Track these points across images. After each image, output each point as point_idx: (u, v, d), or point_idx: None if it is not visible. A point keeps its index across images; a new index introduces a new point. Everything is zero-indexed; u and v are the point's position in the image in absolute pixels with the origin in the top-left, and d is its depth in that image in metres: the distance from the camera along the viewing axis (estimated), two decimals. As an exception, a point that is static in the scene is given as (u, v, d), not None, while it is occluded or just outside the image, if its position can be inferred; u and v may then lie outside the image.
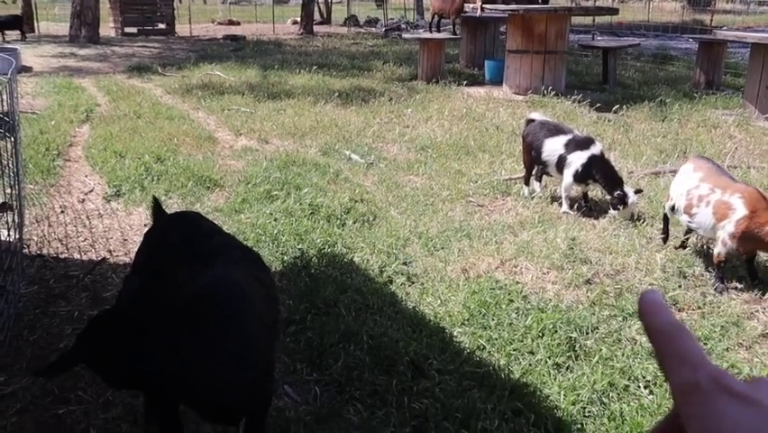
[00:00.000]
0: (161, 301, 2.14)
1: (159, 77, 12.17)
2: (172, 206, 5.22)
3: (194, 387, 1.99)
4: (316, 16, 27.00)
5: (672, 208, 4.39)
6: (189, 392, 2.03)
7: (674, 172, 4.89)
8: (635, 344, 3.32)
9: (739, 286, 4.07)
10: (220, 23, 27.39)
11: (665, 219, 4.59)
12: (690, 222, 4.21)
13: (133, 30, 21.46)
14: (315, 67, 12.45)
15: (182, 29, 22.85)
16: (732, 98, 9.97)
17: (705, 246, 4.59)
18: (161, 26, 22.28)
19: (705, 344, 3.36)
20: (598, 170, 5.12)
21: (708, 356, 0.45)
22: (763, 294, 3.93)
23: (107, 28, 21.10)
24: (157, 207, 2.84)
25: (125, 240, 4.62)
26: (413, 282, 3.97)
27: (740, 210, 3.87)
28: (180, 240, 2.45)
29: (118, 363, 1.91)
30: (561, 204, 5.34)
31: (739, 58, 13.54)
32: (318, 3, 28.53)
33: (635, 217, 5.06)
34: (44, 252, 4.39)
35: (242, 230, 4.66)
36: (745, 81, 9.40)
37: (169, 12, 22.65)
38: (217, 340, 2.01)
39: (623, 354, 3.20)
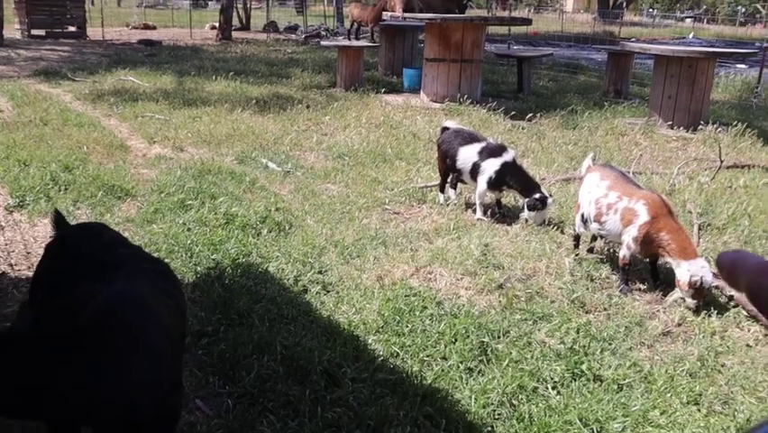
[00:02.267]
0: (60, 319, 2.06)
1: (68, 82, 11.72)
2: (81, 216, 5.04)
3: (98, 408, 1.92)
4: (235, 22, 26.64)
5: (582, 217, 4.55)
6: (93, 414, 1.96)
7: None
8: (544, 346, 3.41)
9: (642, 288, 4.26)
10: (135, 27, 26.66)
11: (577, 237, 4.75)
12: (600, 229, 4.39)
13: (41, 32, 20.55)
14: (232, 73, 12.27)
15: (94, 32, 22.06)
16: (638, 107, 10.43)
17: (611, 251, 4.77)
18: (72, 29, 21.44)
19: (610, 343, 3.50)
20: (512, 177, 5.25)
21: None
22: (664, 295, 4.13)
23: (12, 29, 20.15)
24: (59, 219, 2.74)
25: (29, 253, 4.43)
26: (328, 291, 3.97)
27: (643, 216, 4.07)
28: (82, 253, 2.36)
29: (14, 391, 1.82)
30: (475, 211, 5.45)
31: (645, 68, 14.16)
32: (237, 8, 28.18)
33: (546, 222, 5.21)
34: (-61, 267, 4.16)
35: (154, 240, 4.55)
36: (650, 91, 9.85)
37: (80, 14, 21.81)
38: (121, 357, 1.95)
39: (532, 357, 3.29)
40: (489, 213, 5.43)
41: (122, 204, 5.40)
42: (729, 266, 0.54)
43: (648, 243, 4.08)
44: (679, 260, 3.93)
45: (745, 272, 0.52)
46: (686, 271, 3.86)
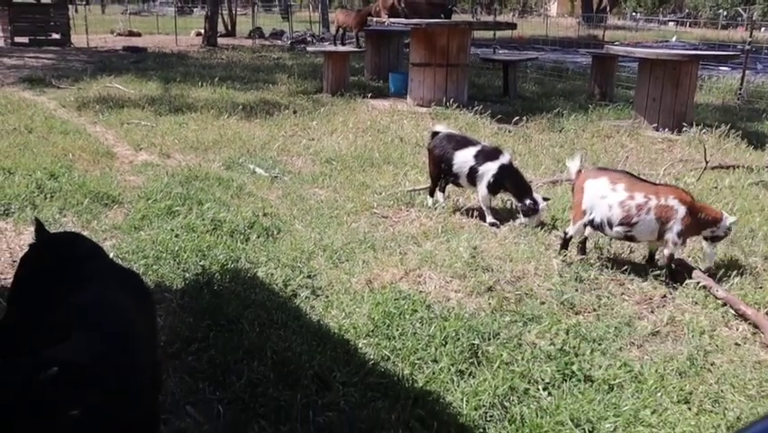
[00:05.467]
0: (29, 332, 2.04)
1: (53, 89, 11.65)
2: (67, 224, 5.01)
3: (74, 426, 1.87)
4: (221, 28, 26.59)
5: (593, 223, 4.53)
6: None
7: (570, 181, 5.07)
8: (535, 347, 3.42)
9: (631, 288, 4.28)
10: (120, 34, 26.52)
11: (566, 240, 4.73)
12: (628, 231, 4.40)
13: (24, 39, 20.43)
14: (218, 79, 12.23)
15: (79, 39, 21.93)
16: (624, 109, 10.48)
17: (608, 251, 4.79)
18: (55, 36, 21.31)
19: (600, 344, 3.51)
20: (509, 179, 5.26)
21: None
22: (652, 296, 4.15)
23: (-5, 38, 20.06)
24: (40, 228, 2.70)
25: (14, 262, 4.38)
26: (317, 295, 3.96)
27: (680, 209, 4.26)
28: (55, 264, 2.34)
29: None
30: (465, 213, 5.46)
31: (629, 71, 14.25)
32: (223, 14, 28.12)
33: (540, 224, 5.22)
34: (-77, 276, 4.12)
35: (141, 247, 4.51)
36: (635, 93, 9.92)
37: (64, 21, 21.68)
38: (99, 370, 1.90)
39: (523, 358, 3.29)
40: (476, 214, 5.42)
41: (108, 211, 5.36)
42: None
43: (692, 231, 4.34)
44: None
45: None
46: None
